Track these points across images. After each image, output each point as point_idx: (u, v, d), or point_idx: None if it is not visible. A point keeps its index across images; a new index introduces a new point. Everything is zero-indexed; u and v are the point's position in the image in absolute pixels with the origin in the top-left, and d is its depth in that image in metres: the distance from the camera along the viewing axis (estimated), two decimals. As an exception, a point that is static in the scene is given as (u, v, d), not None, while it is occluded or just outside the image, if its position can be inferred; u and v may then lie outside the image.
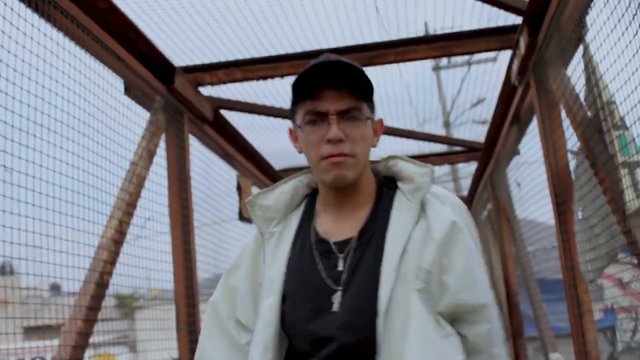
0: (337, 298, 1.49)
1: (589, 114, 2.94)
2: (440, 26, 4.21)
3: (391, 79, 4.96)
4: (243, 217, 4.91)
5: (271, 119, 4.75)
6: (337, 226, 1.60)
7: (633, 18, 2.30)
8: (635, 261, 2.66)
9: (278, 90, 4.21)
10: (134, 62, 3.22)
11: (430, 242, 1.48)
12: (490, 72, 5.33)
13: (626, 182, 2.58)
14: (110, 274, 2.75)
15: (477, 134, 6.74)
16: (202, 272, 3.92)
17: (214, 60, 3.76)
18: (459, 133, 8.70)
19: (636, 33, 2.27)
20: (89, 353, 2.69)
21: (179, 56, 3.66)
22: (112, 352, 5.97)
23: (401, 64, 4.14)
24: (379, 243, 1.52)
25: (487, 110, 5.76)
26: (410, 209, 1.55)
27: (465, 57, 7.33)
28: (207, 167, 4.38)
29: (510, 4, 3.24)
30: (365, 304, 1.46)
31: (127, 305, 9.77)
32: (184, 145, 3.67)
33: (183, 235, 3.57)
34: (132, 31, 3.12)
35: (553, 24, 3.13)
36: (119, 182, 3.09)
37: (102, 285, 2.68)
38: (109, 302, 2.88)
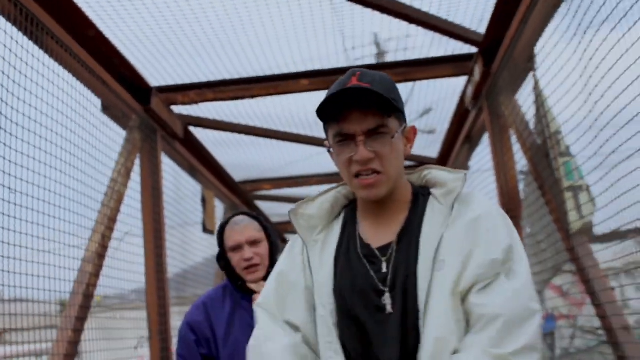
0: (387, 299, 1.57)
1: (537, 140, 3.24)
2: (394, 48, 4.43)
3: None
4: (206, 229, 5.08)
5: (235, 134, 4.93)
6: (378, 232, 1.67)
7: (580, 60, 2.60)
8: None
9: (246, 109, 4.41)
10: (113, 82, 3.38)
11: (460, 241, 1.54)
12: (435, 83, 5.29)
13: (570, 204, 2.88)
14: (95, 285, 2.91)
15: (426, 144, 6.77)
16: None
17: (187, 81, 3.93)
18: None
19: (582, 74, 2.57)
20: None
21: (154, 77, 3.82)
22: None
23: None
24: (415, 244, 1.59)
25: (433, 120, 5.77)
26: (441, 211, 1.61)
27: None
28: (176, 181, 4.54)
29: (467, 37, 3.51)
30: (411, 302, 1.54)
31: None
32: (157, 162, 3.84)
33: (156, 249, 3.73)
34: (116, 56, 3.29)
35: (507, 55, 3.42)
36: (98, 196, 3.25)
37: (88, 296, 2.84)
38: (52, 309, 2.84)
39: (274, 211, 7.96)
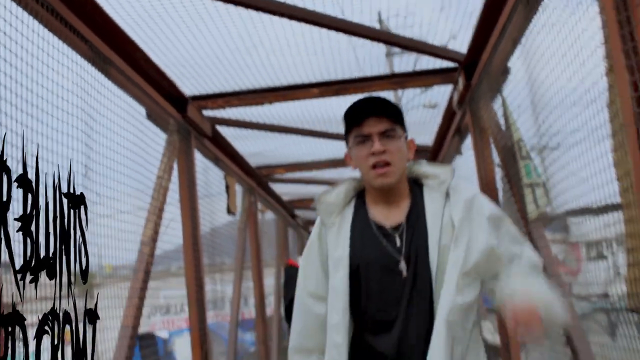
0: (403, 266, 1.95)
1: (508, 143, 3.95)
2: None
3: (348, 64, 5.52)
4: (230, 211, 5.83)
5: (254, 130, 5.66)
6: (388, 216, 2.05)
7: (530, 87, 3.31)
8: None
9: (264, 110, 5.13)
10: (155, 94, 4.09)
11: (452, 220, 1.97)
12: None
13: (529, 198, 3.60)
14: (151, 264, 3.66)
15: (427, 118, 7.10)
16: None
17: (216, 90, 4.65)
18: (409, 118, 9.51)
19: (534, 97, 3.28)
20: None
21: (188, 87, 4.53)
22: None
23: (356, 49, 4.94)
24: (423, 224, 1.98)
25: (437, 95, 6.28)
26: (438, 197, 2.02)
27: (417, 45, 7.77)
28: (204, 172, 5.27)
29: (451, 57, 4.21)
30: (422, 268, 1.93)
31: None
32: (191, 159, 4.57)
33: (193, 232, 4.48)
34: (158, 73, 4.00)
35: (484, 71, 4.11)
36: (148, 190, 3.99)
37: (146, 272, 3.60)
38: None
39: (285, 190, 8.74)
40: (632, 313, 2.24)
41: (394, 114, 2.03)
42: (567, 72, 2.72)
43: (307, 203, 9.81)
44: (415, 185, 2.10)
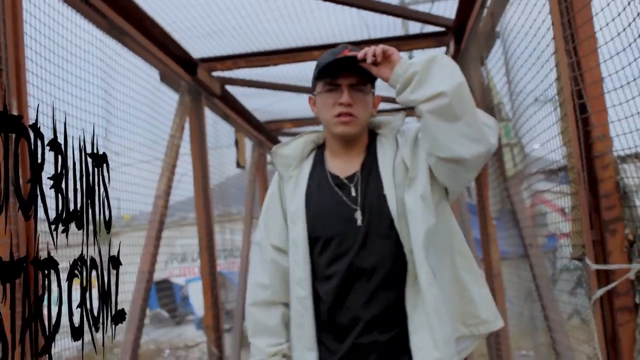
0: (358, 215, 1.96)
1: (490, 105, 4.27)
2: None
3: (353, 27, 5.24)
4: (239, 165, 6.22)
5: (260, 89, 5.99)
6: (344, 167, 2.06)
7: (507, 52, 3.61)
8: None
9: (270, 71, 5.45)
10: (167, 59, 4.43)
11: (404, 162, 1.96)
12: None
13: (507, 156, 3.95)
14: (165, 215, 4.07)
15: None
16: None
17: (224, 53, 4.97)
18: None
19: (506, 67, 3.59)
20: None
21: (198, 51, 4.86)
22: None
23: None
24: (376, 172, 1.99)
25: None
26: (389, 144, 2.02)
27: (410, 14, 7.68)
28: (214, 128, 5.64)
29: (441, 23, 4.50)
30: (380, 215, 1.94)
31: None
32: (202, 117, 4.94)
33: (203, 185, 4.87)
34: (170, 40, 4.33)
35: (471, 36, 4.41)
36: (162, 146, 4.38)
37: (161, 222, 4.00)
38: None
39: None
40: (574, 261, 2.60)
41: (366, 71, 1.99)
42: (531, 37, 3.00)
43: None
44: (372, 137, 2.11)
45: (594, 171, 2.26)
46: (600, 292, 2.28)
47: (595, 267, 2.29)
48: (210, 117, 5.46)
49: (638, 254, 2.22)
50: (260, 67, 5.02)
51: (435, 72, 1.78)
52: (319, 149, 2.16)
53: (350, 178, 2.03)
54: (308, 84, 6.06)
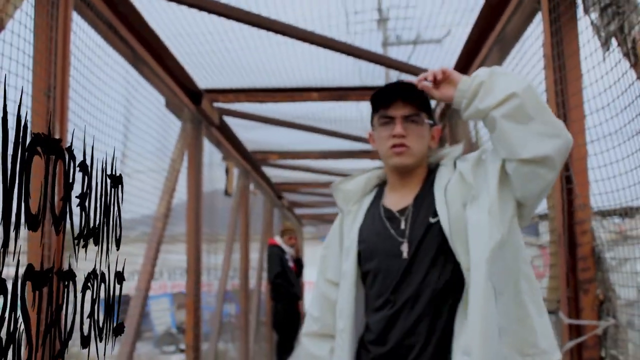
0: (404, 247, 1.94)
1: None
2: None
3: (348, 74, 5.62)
4: (227, 193, 6.44)
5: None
6: (399, 201, 2.05)
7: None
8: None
9: (268, 107, 5.72)
10: (177, 88, 4.67)
11: (463, 178, 1.89)
12: (434, 50, 5.58)
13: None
14: (162, 236, 4.27)
15: None
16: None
17: (226, 86, 5.23)
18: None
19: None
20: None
21: (202, 81, 5.11)
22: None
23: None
24: (430, 198, 1.95)
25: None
26: (446, 170, 1.98)
27: (412, 37, 8.17)
28: (208, 155, 5.87)
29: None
30: (426, 242, 1.90)
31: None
32: (200, 145, 5.17)
33: (196, 209, 5.08)
34: (182, 71, 4.58)
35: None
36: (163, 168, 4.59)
37: (158, 243, 4.21)
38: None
39: (276, 173, 9.36)
40: (550, 314, 2.88)
41: (420, 100, 2.02)
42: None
43: (293, 187, 10.44)
44: (433, 170, 2.08)
45: (574, 236, 2.56)
46: (570, 343, 2.56)
47: (568, 321, 2.57)
48: (207, 147, 5.69)
49: (607, 312, 2.51)
50: (260, 102, 5.28)
51: (500, 78, 1.78)
52: (382, 184, 2.19)
53: (402, 211, 2.02)
54: (300, 120, 6.33)
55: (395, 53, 5.70)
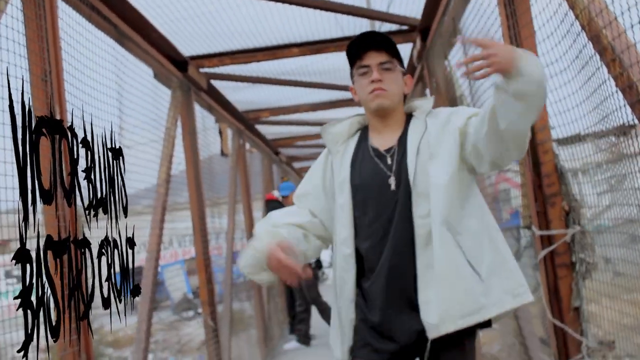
0: (392, 180, 2.19)
1: (453, 96, 4.80)
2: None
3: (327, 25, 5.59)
4: (223, 153, 6.68)
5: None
6: (384, 142, 2.28)
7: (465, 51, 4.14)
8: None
9: (250, 67, 5.93)
10: (163, 59, 4.87)
11: (439, 137, 2.17)
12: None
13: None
14: (166, 201, 4.53)
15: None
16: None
17: (211, 51, 5.43)
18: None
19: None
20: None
21: (187, 49, 5.30)
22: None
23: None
24: (406, 147, 2.21)
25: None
26: (419, 124, 2.23)
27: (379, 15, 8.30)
28: (202, 120, 6.09)
29: (409, 23, 5.02)
30: (405, 183, 2.17)
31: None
32: (191, 111, 5.39)
33: (195, 172, 5.33)
34: (166, 42, 4.77)
35: (436, 34, 4.92)
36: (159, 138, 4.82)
37: (163, 207, 4.47)
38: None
39: (270, 131, 9.58)
40: (525, 229, 3.15)
41: (391, 48, 2.23)
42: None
43: (289, 142, 10.67)
44: (409, 118, 2.31)
45: (537, 156, 2.81)
46: (543, 252, 2.84)
47: (539, 232, 2.84)
48: (198, 112, 5.91)
49: (573, 221, 2.78)
50: (243, 63, 5.48)
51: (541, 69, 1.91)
52: (365, 129, 2.39)
53: (388, 150, 2.26)
54: (285, 76, 6.55)
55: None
